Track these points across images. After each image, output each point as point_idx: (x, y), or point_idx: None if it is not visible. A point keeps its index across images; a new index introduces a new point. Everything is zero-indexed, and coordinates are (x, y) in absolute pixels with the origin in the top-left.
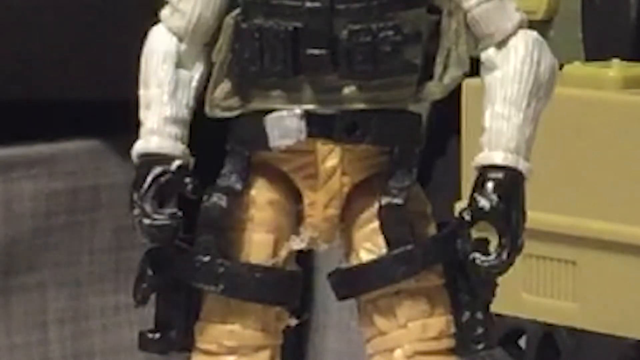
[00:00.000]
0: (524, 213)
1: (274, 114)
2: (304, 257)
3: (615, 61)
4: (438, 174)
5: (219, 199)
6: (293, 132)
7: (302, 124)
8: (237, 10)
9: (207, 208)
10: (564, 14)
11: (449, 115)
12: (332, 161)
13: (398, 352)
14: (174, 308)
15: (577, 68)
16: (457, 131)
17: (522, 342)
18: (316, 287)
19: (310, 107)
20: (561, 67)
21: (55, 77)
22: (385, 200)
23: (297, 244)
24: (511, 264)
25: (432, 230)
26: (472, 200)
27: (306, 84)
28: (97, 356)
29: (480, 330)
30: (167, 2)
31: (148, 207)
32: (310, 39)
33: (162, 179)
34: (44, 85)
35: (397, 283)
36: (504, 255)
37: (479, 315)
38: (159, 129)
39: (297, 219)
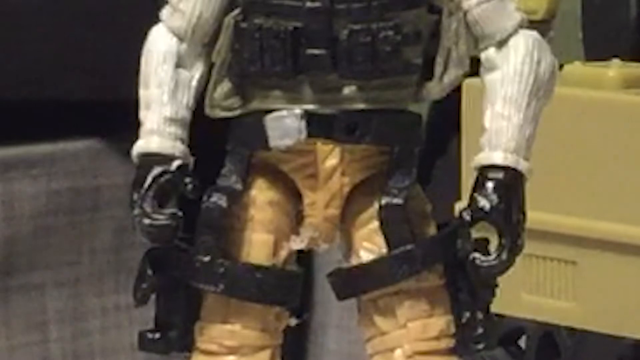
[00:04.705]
0: (524, 213)
1: (274, 114)
2: (304, 257)
3: (615, 61)
4: (438, 174)
5: (219, 199)
6: (293, 132)
7: (302, 124)
8: (237, 10)
9: (207, 208)
10: (564, 14)
11: (449, 115)
12: (332, 161)
13: (398, 352)
14: (174, 308)
15: (577, 68)
16: (457, 131)
17: (522, 342)
18: (316, 287)
19: (310, 107)
20: (561, 67)
21: (56, 77)
22: (385, 200)
23: (297, 244)
24: (511, 264)
25: (432, 230)
26: (472, 200)
27: (306, 84)
28: (97, 356)
29: (480, 330)
30: (167, 2)
31: (148, 207)
32: (310, 39)
33: (162, 179)
34: (44, 85)
35: (397, 283)
36: (504, 256)
37: (479, 315)
38: (159, 129)
39: (297, 219)
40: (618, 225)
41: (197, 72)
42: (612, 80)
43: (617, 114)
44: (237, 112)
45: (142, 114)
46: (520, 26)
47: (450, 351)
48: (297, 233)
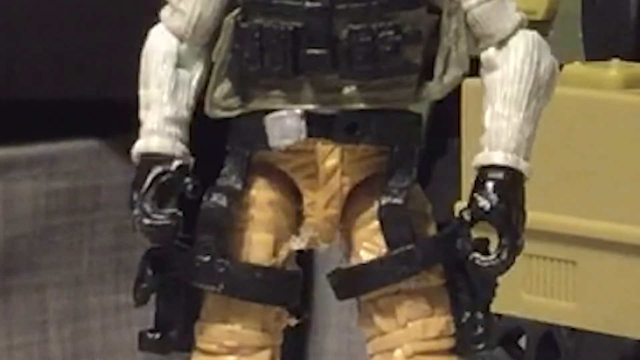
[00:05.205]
0: (524, 213)
1: (274, 114)
2: (304, 257)
3: (615, 61)
4: (438, 174)
5: (219, 199)
6: (293, 132)
7: (302, 124)
8: (237, 10)
9: (207, 208)
10: (564, 14)
11: (449, 115)
12: (332, 161)
13: (398, 352)
14: (174, 308)
15: (577, 68)
16: (457, 131)
17: (522, 342)
18: (316, 287)
19: (310, 107)
20: (561, 67)
21: (56, 77)
22: (385, 200)
23: (297, 244)
24: (511, 264)
25: (432, 230)
26: (472, 200)
27: (306, 84)
28: (97, 356)
29: (480, 330)
30: (167, 2)
31: (148, 207)
32: (310, 39)
33: (162, 179)
34: (44, 85)
35: (397, 283)
36: (504, 255)
37: (479, 315)
38: (159, 128)
39: (297, 219)
40: (618, 225)
41: (197, 72)
42: (612, 80)
43: (617, 114)
44: (237, 112)
45: (142, 114)
46: (520, 26)
47: (450, 351)
48: (297, 233)
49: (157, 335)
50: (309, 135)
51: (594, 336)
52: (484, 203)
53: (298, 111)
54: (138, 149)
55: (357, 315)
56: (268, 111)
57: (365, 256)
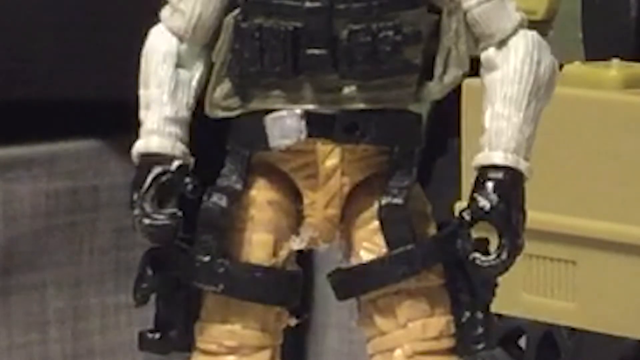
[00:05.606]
0: (524, 213)
1: (274, 114)
2: (304, 257)
3: (615, 61)
4: (438, 174)
5: (219, 199)
6: (293, 132)
7: (302, 124)
8: (237, 10)
9: (207, 208)
10: (564, 14)
11: (449, 115)
12: (332, 161)
13: (398, 352)
14: (174, 308)
15: (577, 68)
16: (457, 131)
17: (522, 342)
18: (316, 287)
19: (310, 107)
20: (561, 67)
21: (56, 77)
22: (385, 200)
23: (297, 244)
24: (511, 264)
25: (432, 230)
26: (472, 200)
27: (306, 84)
28: (97, 356)
29: (480, 330)
30: (167, 2)
31: (148, 207)
32: (310, 39)
33: (162, 179)
34: (44, 85)
35: (397, 283)
36: (504, 255)
37: (479, 315)
38: (159, 128)
39: (297, 219)
40: (618, 225)
41: (197, 72)
42: (612, 80)
43: (617, 114)
44: (237, 112)
45: (142, 114)
46: (521, 26)
47: (450, 351)
48: (297, 233)
49: (157, 335)
50: (309, 135)
51: (594, 336)
52: (484, 203)
53: (298, 111)
54: (138, 149)
55: (357, 315)
56: (268, 111)
57: (365, 256)
